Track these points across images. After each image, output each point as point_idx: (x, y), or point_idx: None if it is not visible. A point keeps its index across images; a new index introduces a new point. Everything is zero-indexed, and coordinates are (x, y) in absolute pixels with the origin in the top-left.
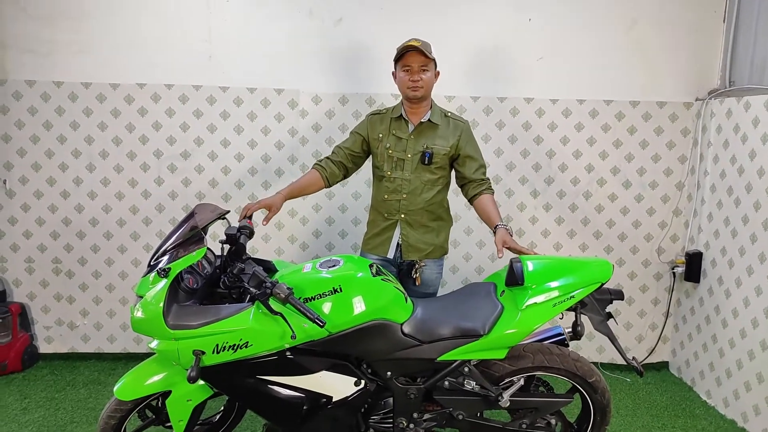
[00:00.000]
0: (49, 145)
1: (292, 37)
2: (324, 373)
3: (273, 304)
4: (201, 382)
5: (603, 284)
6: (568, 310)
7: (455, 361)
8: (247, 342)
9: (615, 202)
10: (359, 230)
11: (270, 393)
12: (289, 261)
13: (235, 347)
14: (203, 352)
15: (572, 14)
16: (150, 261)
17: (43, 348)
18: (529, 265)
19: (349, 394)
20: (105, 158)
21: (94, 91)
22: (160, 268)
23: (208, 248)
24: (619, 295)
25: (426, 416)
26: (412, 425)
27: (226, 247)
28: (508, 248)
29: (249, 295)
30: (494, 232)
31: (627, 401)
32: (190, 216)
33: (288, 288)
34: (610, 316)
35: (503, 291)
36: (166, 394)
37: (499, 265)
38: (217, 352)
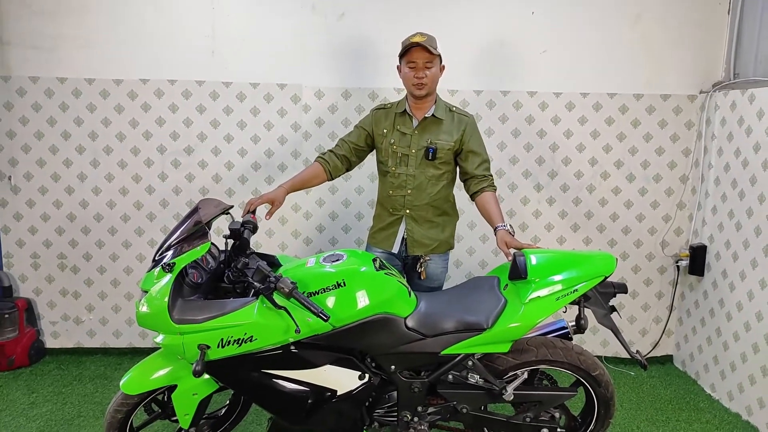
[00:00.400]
0: (54, 141)
1: (295, 32)
2: (328, 367)
3: (277, 298)
4: (206, 376)
5: (606, 278)
6: (572, 303)
7: (459, 354)
8: (252, 336)
9: (619, 195)
10: (362, 225)
11: (275, 387)
12: (292, 255)
13: (240, 341)
14: (208, 347)
15: (575, 7)
16: (155, 256)
17: (50, 343)
18: (533, 259)
19: (353, 388)
20: (109, 154)
21: (98, 87)
22: (164, 263)
23: (212, 243)
24: (622, 288)
25: (430, 410)
26: (416, 419)
27: (230, 242)
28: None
29: (253, 290)
30: (495, 234)
31: (631, 395)
32: (194, 211)
33: (292, 282)
34: (613, 309)
35: (507, 285)
36: (171, 388)
37: (502, 259)
38: (222, 347)
